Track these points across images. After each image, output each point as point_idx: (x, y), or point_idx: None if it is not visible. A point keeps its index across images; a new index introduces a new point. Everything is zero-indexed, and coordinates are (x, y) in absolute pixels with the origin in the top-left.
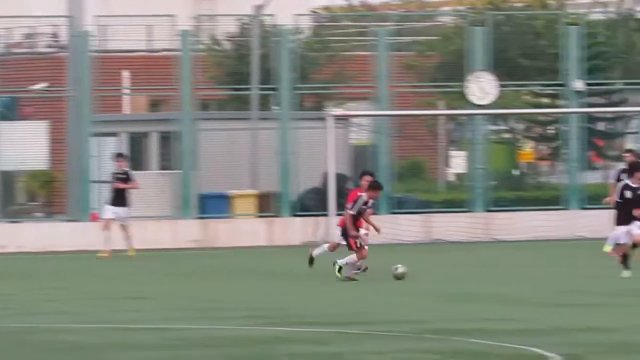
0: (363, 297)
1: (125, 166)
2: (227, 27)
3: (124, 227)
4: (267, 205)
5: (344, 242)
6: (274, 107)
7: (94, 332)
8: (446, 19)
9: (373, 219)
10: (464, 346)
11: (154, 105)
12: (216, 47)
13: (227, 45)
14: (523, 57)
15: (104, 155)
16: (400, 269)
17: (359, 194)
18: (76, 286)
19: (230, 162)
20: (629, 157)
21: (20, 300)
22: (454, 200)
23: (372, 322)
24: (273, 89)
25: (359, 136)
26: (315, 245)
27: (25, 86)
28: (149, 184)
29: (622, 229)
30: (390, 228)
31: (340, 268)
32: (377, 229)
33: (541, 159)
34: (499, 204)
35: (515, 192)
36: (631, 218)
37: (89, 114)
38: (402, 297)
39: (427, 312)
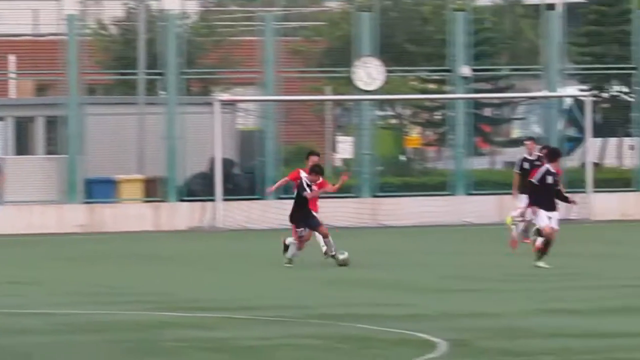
0: (249, 282)
1: None
2: (113, 12)
3: None
4: (153, 190)
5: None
6: (160, 92)
7: None
8: (333, 5)
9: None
10: (350, 331)
11: (41, 89)
12: (103, 32)
13: (113, 30)
14: (410, 43)
15: None
16: (343, 255)
17: (301, 174)
18: None
19: (116, 146)
20: (530, 144)
21: None
22: (341, 186)
23: (258, 307)
24: (160, 74)
25: (246, 121)
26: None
27: None
28: (35, 169)
29: (545, 213)
30: (278, 214)
31: (289, 259)
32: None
33: (428, 144)
34: (385, 190)
35: (402, 177)
36: (553, 204)
37: None
38: (288, 282)
39: (313, 297)
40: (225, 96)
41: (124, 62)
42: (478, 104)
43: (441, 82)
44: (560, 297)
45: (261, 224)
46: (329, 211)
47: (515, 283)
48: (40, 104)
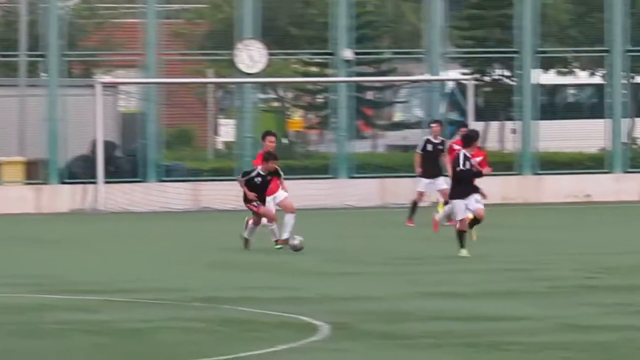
0: (131, 265)
1: None
2: None
3: None
4: (35, 172)
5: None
6: (42, 74)
7: None
8: None
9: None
10: (232, 314)
11: None
12: None
13: None
14: (292, 26)
15: None
16: (297, 239)
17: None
18: None
19: None
20: (435, 127)
21: None
22: (223, 169)
23: (139, 290)
24: (41, 56)
25: (128, 104)
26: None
27: None
28: None
29: (461, 203)
30: (159, 196)
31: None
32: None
33: (310, 127)
34: None
35: (285, 160)
36: (470, 190)
37: None
38: (170, 265)
39: (195, 280)
40: (107, 78)
41: (4, 44)
42: (360, 87)
43: (323, 65)
44: (442, 281)
45: (143, 206)
46: (210, 194)
47: (397, 266)
48: None
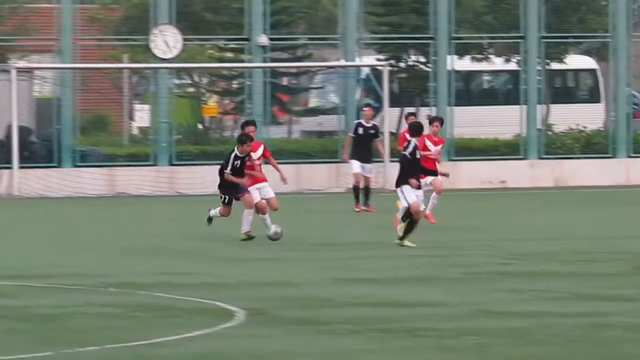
0: (46, 250)
1: None
2: None
3: None
4: None
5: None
6: None
7: None
8: None
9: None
10: (148, 300)
11: None
12: None
13: None
14: (207, 11)
15: None
16: (275, 228)
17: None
18: None
19: None
20: (367, 111)
21: None
22: (138, 154)
23: (55, 275)
24: None
25: (43, 89)
26: None
27: None
28: None
29: (411, 189)
30: (74, 181)
31: (210, 218)
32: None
33: (225, 113)
34: (183, 158)
35: (200, 146)
36: (419, 179)
37: None
38: (86, 251)
39: (111, 265)
40: (22, 64)
41: None
42: (275, 73)
43: (239, 51)
44: (358, 267)
45: (58, 191)
46: (126, 179)
47: (314, 252)
48: None
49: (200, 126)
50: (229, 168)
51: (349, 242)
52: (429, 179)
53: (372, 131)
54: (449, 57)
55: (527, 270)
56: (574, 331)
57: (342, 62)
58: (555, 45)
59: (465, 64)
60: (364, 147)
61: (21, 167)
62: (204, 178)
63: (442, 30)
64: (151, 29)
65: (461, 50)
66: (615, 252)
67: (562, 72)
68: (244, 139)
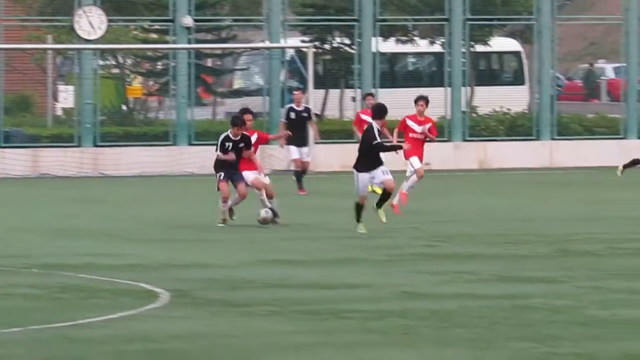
0: None
1: None
2: None
3: None
4: None
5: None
6: None
7: None
8: None
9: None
10: (72, 281)
11: None
12: None
13: None
14: None
15: None
16: (263, 214)
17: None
18: None
19: None
20: (298, 94)
21: None
22: (62, 135)
23: None
24: None
25: None
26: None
27: None
28: None
29: (366, 176)
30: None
31: (229, 212)
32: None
33: (150, 94)
34: (107, 140)
35: (124, 127)
36: (376, 163)
37: None
38: (9, 232)
39: (34, 247)
40: None
41: None
42: (200, 55)
43: (163, 32)
44: (282, 249)
45: None
46: (49, 160)
47: (237, 234)
48: None
49: (124, 107)
50: (218, 149)
51: (277, 224)
52: (415, 163)
53: (304, 114)
54: (373, 39)
55: (452, 252)
56: (498, 313)
57: (267, 44)
58: (480, 27)
59: (390, 46)
60: (299, 131)
61: None
62: (128, 160)
63: (366, 12)
64: (75, 9)
65: (386, 32)
66: (540, 234)
67: (487, 55)
68: (236, 121)
